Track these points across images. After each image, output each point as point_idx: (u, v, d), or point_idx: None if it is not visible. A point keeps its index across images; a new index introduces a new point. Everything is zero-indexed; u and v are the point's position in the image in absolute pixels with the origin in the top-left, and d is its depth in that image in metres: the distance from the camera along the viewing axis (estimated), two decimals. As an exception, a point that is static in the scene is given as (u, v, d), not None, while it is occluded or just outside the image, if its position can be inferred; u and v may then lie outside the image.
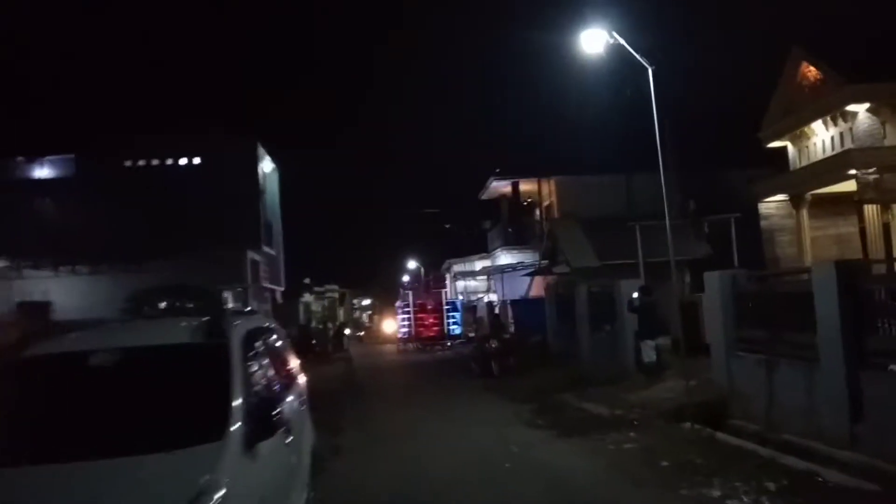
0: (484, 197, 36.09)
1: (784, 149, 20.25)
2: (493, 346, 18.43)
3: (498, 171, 32.13)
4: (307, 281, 39.02)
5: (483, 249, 37.29)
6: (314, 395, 16.81)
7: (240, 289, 22.42)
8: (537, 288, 29.69)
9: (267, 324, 5.78)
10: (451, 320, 31.73)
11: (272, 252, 24.95)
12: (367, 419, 12.67)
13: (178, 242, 21.67)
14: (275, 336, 5.75)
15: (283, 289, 27.41)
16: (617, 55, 11.63)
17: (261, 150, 24.08)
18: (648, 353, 12.88)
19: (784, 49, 19.46)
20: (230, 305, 23.22)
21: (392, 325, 40.16)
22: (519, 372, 17.64)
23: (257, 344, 4.81)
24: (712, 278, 10.67)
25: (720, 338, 10.53)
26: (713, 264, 20.22)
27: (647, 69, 11.06)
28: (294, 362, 6.32)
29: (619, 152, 29.66)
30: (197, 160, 22.86)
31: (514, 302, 26.06)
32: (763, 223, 20.15)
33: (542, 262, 25.19)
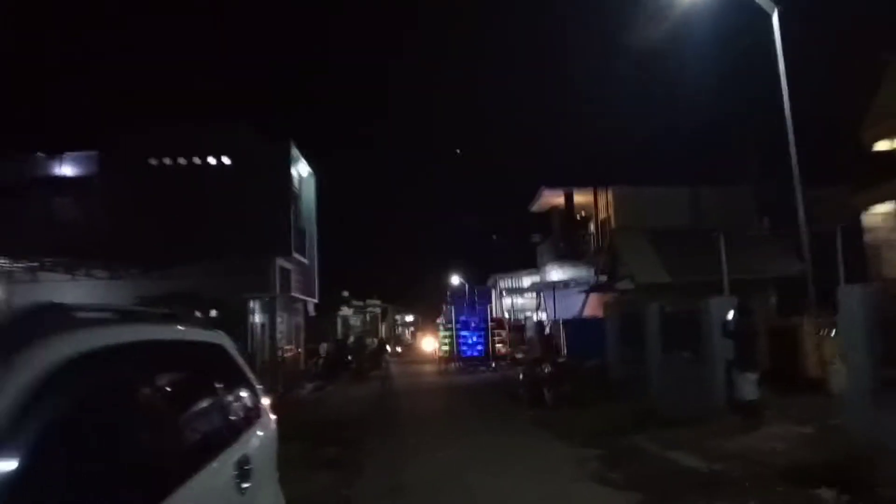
0: (534, 209, 33.75)
1: (893, 152, 17.32)
2: (546, 371, 15.97)
3: (549, 180, 29.84)
4: (346, 294, 37.12)
5: (532, 265, 34.82)
6: (341, 418, 14.65)
7: (267, 298, 20.47)
8: (592, 307, 27.05)
9: (172, 335, 3.21)
10: (498, 339, 29.28)
11: (304, 261, 23.00)
12: (395, 459, 10.38)
13: (204, 247, 19.89)
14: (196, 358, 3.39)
15: (316, 300, 25.42)
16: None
17: (295, 152, 22.24)
18: (748, 388, 10.28)
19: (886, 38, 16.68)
20: (256, 316, 21.33)
21: (431, 343, 37.91)
22: (575, 403, 15.14)
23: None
24: (851, 295, 8.12)
25: (861, 374, 7.94)
26: (809, 284, 17.54)
27: (768, 15, 8.62)
28: (250, 397, 4.01)
29: (683, 163, 26.98)
30: (227, 160, 21.11)
31: (566, 322, 23.52)
32: (867, 237, 17.21)
33: (600, 277, 22.64)
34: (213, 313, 19.91)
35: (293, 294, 22.44)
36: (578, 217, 32.07)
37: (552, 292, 26.27)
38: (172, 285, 19.32)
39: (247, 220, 20.54)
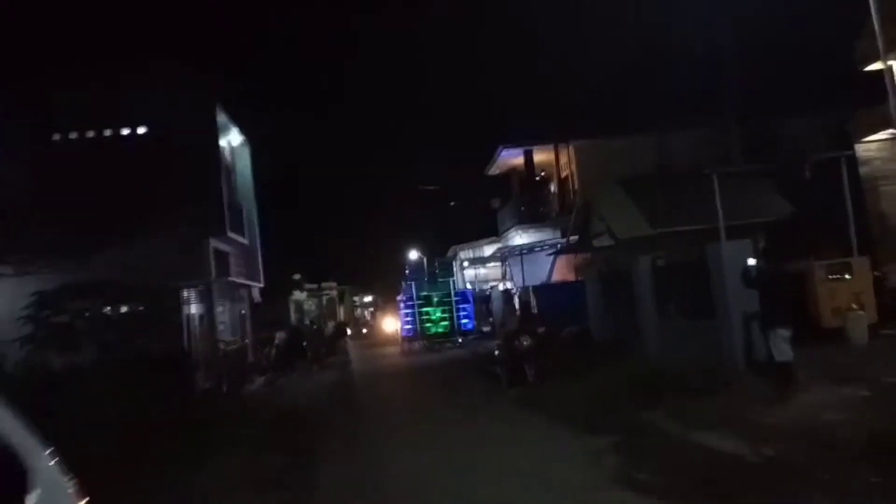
0: (492, 172, 31.70)
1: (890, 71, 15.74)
2: (526, 343, 14.03)
3: (507, 140, 27.77)
4: (297, 277, 34.61)
5: (492, 233, 32.88)
6: (292, 417, 12.46)
7: (202, 286, 17.99)
8: (561, 271, 25.29)
9: None
10: (462, 313, 27.30)
11: (244, 241, 20.51)
12: (359, 470, 8.27)
13: (125, 231, 17.25)
14: None
15: (261, 285, 22.94)
16: None
17: (223, 118, 19.60)
18: (781, 346, 8.47)
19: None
20: (192, 307, 18.83)
21: (393, 323, 35.77)
22: (560, 376, 13.27)
23: None
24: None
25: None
26: (801, 226, 15.95)
27: None
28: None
29: (649, 109, 25.24)
30: (142, 129, 18.39)
31: (537, 288, 21.65)
32: (863, 170, 15.67)
33: (571, 238, 20.79)
34: (141, 308, 17.41)
35: (234, 279, 19.96)
36: (539, 177, 30.22)
37: (520, 257, 24.35)
38: (91, 276, 16.67)
39: (172, 198, 17.93)
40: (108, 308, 15.25)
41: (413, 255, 42.00)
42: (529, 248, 23.94)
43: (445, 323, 27.30)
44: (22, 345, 13.38)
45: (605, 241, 16.62)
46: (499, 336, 15.49)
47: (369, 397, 15.51)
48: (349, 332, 31.05)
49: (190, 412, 12.97)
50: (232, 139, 21.88)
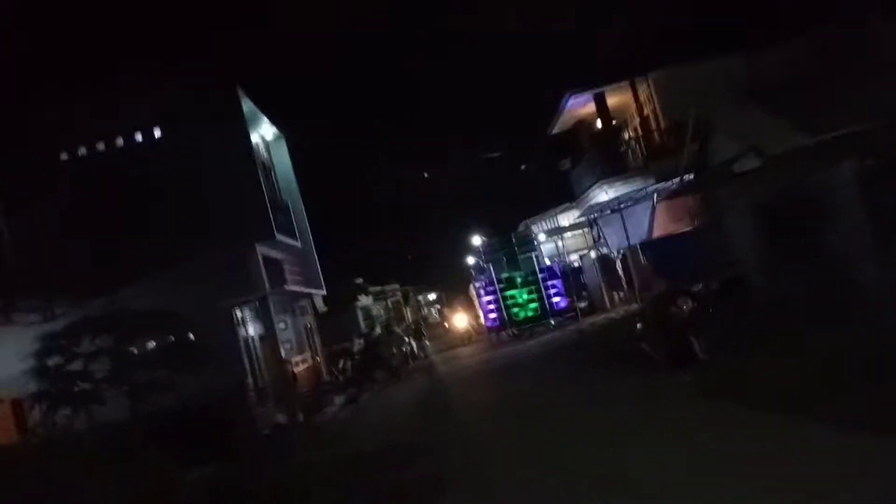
0: (556, 130, 27.99)
1: None
2: (686, 307, 10.45)
3: (572, 87, 24.06)
4: (360, 281, 31.57)
5: (565, 199, 29.13)
6: (385, 459, 8.79)
7: (256, 301, 14.99)
8: (662, 224, 21.46)
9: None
10: (553, 291, 23.80)
11: (296, 244, 17.51)
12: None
13: (157, 252, 14.46)
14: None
15: (323, 292, 19.88)
16: None
17: (250, 106, 16.56)
18: None
19: None
20: (248, 327, 15.84)
21: (465, 318, 32.36)
22: (745, 347, 9.67)
23: None
24: None
25: None
26: None
27: None
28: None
29: (723, 25, 21.18)
30: (158, 132, 15.54)
31: (647, 245, 17.94)
32: None
33: (683, 178, 17.03)
34: (190, 336, 14.49)
35: (291, 288, 16.91)
36: (609, 127, 26.42)
37: (616, 215, 20.59)
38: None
39: (206, 206, 15.05)
40: (136, 344, 12.33)
41: (477, 240, 38.61)
42: (632, 199, 20.15)
43: (535, 305, 23.89)
44: (31, 406, 10.54)
45: (750, 163, 12.82)
46: (644, 307, 11.91)
47: (480, 410, 12.08)
48: (425, 333, 27.73)
49: (259, 465, 9.89)
50: (265, 132, 18.88)
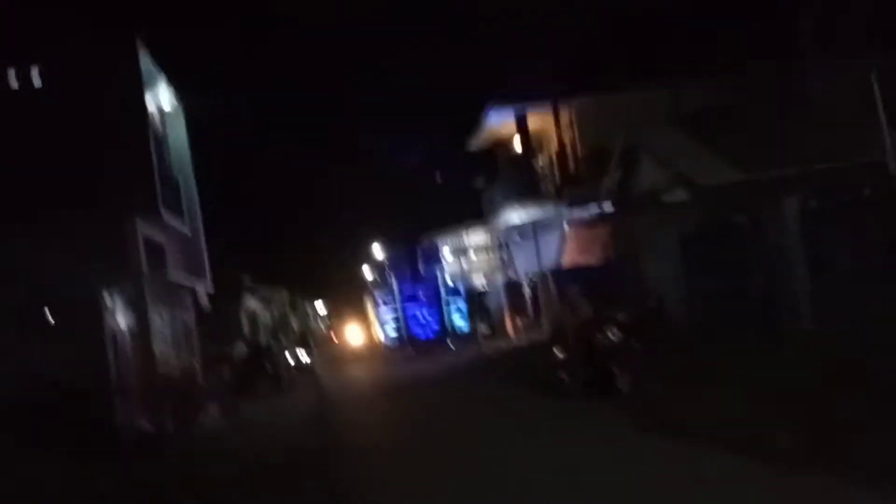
0: (474, 147, 27.35)
1: None
2: (613, 336, 9.76)
3: (495, 101, 23.50)
4: (248, 282, 29.37)
5: (474, 218, 28.46)
6: (284, 474, 7.70)
7: (130, 287, 13.02)
8: (573, 252, 21.18)
9: None
10: (457, 312, 22.94)
11: (183, 228, 15.60)
12: None
13: (16, 214, 12.31)
14: None
15: (209, 288, 17.92)
16: None
17: (149, 65, 14.65)
18: None
19: None
20: (118, 317, 13.78)
21: (358, 333, 30.90)
22: (669, 376, 9.15)
23: None
24: None
25: None
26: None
27: None
28: None
29: (656, 53, 21.45)
30: (36, 74, 13.39)
31: (560, 274, 17.46)
32: None
33: (602, 205, 16.67)
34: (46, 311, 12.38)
35: (173, 277, 14.95)
36: (524, 151, 26.15)
37: (527, 240, 20.05)
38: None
39: (82, 163, 13.03)
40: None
41: (379, 247, 37.25)
42: (544, 225, 19.65)
43: (436, 326, 22.90)
44: None
45: (678, 196, 12.50)
46: (555, 331, 11.10)
47: (379, 433, 10.77)
48: (312, 345, 25.97)
49: (118, 476, 8.19)
50: (162, 100, 16.90)
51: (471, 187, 28.15)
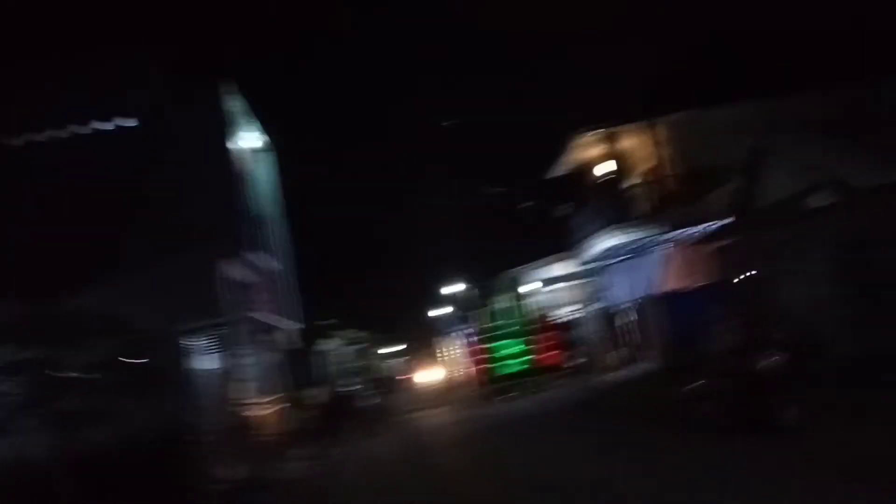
0: (557, 172, 26.14)
1: None
2: (771, 361, 8.24)
3: (582, 123, 22.27)
4: (332, 321, 28.63)
5: (558, 248, 27.01)
6: None
7: (216, 329, 12.30)
8: (671, 278, 19.50)
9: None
10: (546, 344, 21.51)
11: (271, 266, 14.90)
12: None
13: (107, 258, 11.91)
14: None
15: (298, 326, 17.16)
16: None
17: (237, 103, 14.25)
18: None
19: None
20: (202, 358, 13.07)
21: (437, 373, 29.40)
22: (842, 411, 7.56)
23: None
24: None
25: None
26: None
27: None
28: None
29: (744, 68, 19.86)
30: (129, 122, 13.14)
31: (676, 298, 15.89)
32: None
33: (723, 221, 15.10)
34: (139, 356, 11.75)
35: (260, 317, 14.22)
36: (610, 174, 24.75)
37: (629, 262, 18.52)
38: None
39: (169, 208, 12.59)
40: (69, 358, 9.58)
41: (455, 286, 36.08)
42: (644, 248, 18.11)
43: (525, 359, 21.48)
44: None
45: (825, 199, 10.86)
46: (710, 360, 9.50)
47: (482, 485, 9.41)
48: (393, 387, 24.73)
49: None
50: (251, 139, 16.53)
51: (554, 215, 26.87)
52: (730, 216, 14.48)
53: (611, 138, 22.27)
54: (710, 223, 16.05)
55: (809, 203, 10.65)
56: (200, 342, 12.83)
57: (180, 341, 12.01)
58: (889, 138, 10.95)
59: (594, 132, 22.10)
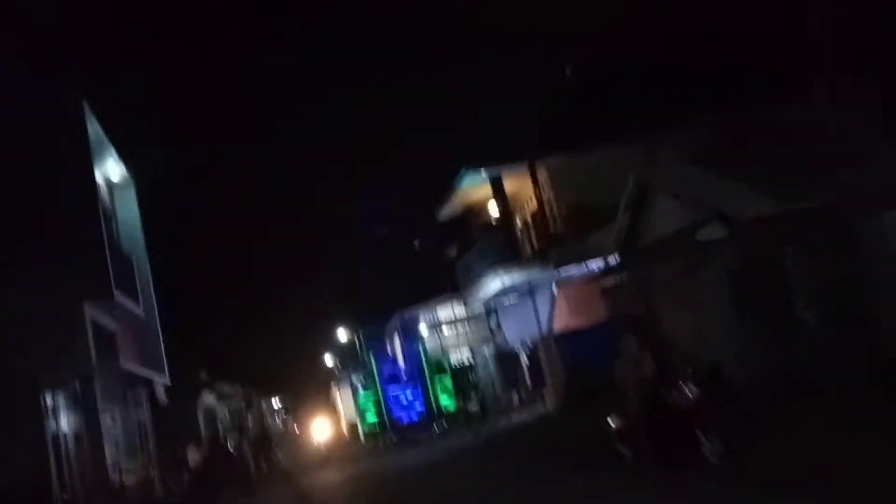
0: (444, 216, 26.06)
1: None
2: (690, 395, 8.13)
3: (470, 162, 22.36)
4: (204, 376, 26.49)
5: (448, 287, 26.73)
6: None
7: (77, 382, 10.73)
8: (563, 316, 19.70)
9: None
10: (443, 391, 20.93)
11: (138, 311, 13.47)
12: None
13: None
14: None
15: (166, 380, 15.50)
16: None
17: (96, 130, 12.89)
18: None
19: None
20: (61, 418, 11.38)
21: (326, 426, 27.95)
22: (762, 442, 7.60)
23: None
24: None
25: None
26: None
27: None
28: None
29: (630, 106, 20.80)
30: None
31: (570, 338, 15.92)
32: None
33: (607, 260, 15.35)
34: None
35: (127, 367, 12.62)
36: (496, 219, 25.05)
37: (521, 303, 18.46)
38: None
39: (21, 242, 11.02)
40: None
41: (344, 332, 34.78)
42: (532, 287, 18.14)
43: (420, 407, 20.78)
44: None
45: (715, 233, 11.22)
46: (623, 396, 9.22)
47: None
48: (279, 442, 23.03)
49: None
50: (111, 171, 15.08)
51: (443, 258, 26.68)
52: (616, 253, 14.73)
53: (497, 181, 22.51)
54: (597, 260, 16.31)
55: (700, 235, 10.92)
56: (61, 400, 11.18)
57: (34, 400, 10.39)
58: (767, 168, 11.53)
59: (479, 173, 22.29)
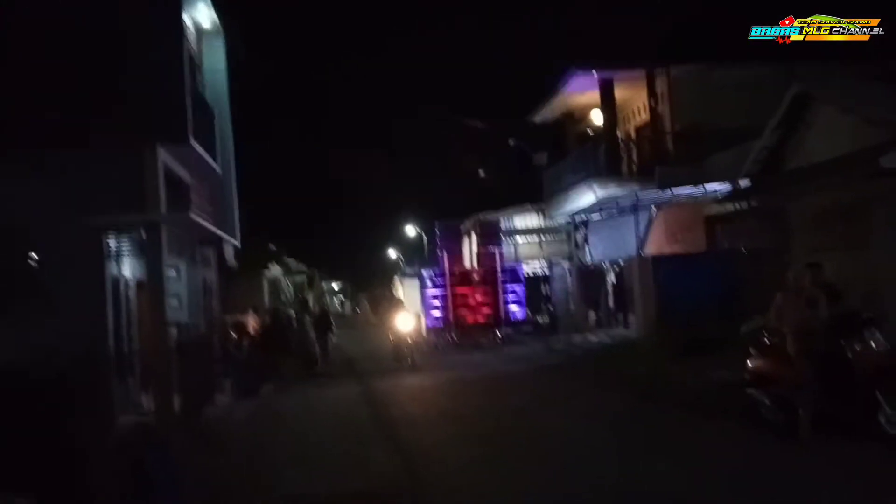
0: (540, 119, 24.21)
1: None
2: (880, 346, 6.58)
3: (578, 63, 20.21)
4: (273, 248, 26.27)
5: (530, 198, 25.23)
6: None
7: (141, 228, 9.98)
8: (657, 241, 18.05)
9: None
10: (512, 297, 19.89)
11: (215, 166, 12.59)
12: None
13: (11, 138, 9.45)
14: None
15: (236, 242, 14.80)
16: None
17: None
18: None
19: None
20: (123, 265, 10.80)
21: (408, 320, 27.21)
22: None
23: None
24: None
25: None
26: None
27: None
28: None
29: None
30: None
31: (661, 261, 14.38)
32: None
33: (740, 182, 13.47)
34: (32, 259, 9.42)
35: (197, 219, 11.86)
36: (591, 130, 23.08)
37: (616, 219, 16.83)
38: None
39: (100, 78, 10.09)
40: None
41: (411, 231, 34.04)
42: (637, 204, 16.41)
43: (487, 310, 19.87)
44: None
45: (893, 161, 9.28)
46: (758, 342, 7.65)
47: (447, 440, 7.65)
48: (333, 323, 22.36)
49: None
50: (201, 18, 13.87)
51: (531, 164, 24.96)
52: (746, 177, 12.86)
53: (607, 86, 20.40)
54: (715, 184, 14.46)
55: (885, 162, 8.95)
56: (124, 245, 10.53)
57: (96, 241, 9.74)
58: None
59: (590, 76, 20.19)
